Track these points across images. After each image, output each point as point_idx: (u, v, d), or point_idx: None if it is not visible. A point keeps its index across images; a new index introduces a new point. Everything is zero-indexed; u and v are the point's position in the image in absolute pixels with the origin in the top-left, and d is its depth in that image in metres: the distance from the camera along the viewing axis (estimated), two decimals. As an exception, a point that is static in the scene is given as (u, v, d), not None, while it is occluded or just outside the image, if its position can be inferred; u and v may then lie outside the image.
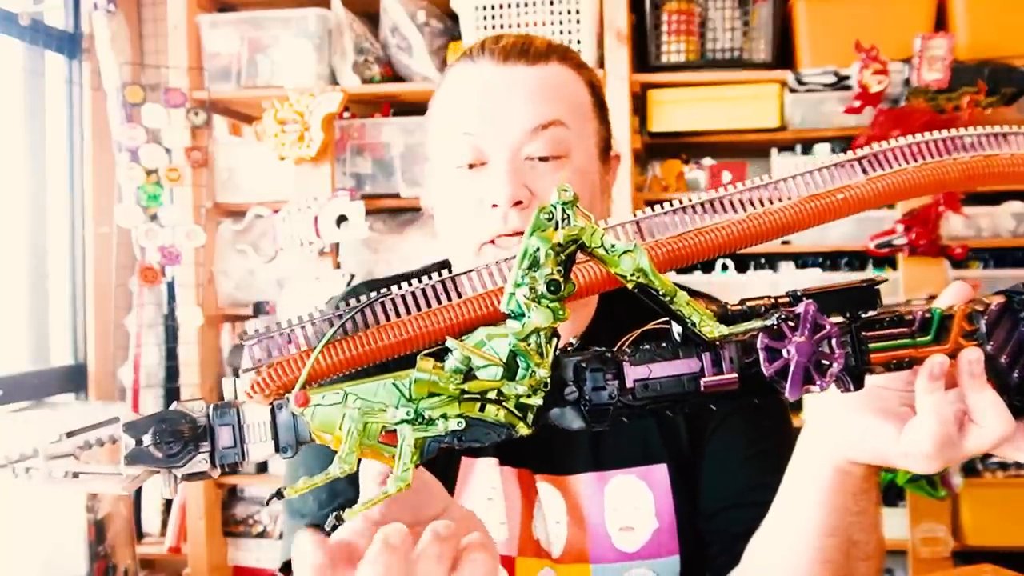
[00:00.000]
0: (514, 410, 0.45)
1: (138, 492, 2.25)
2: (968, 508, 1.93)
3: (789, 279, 2.03)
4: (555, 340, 0.46)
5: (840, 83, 1.91)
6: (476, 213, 0.80)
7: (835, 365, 0.49)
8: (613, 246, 0.46)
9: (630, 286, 0.47)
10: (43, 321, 2.22)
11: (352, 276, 1.99)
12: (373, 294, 0.48)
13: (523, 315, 0.45)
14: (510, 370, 0.45)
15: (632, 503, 0.82)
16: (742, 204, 0.54)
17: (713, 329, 0.48)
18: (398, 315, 0.47)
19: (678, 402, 0.49)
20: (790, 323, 0.48)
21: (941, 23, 1.95)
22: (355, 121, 2.12)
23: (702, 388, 0.48)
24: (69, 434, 0.44)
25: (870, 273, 2.01)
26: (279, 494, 0.45)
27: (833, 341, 0.49)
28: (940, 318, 0.52)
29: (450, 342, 0.45)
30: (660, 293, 0.47)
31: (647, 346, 0.50)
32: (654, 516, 0.82)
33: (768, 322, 0.48)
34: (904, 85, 1.86)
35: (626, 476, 0.83)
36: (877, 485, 0.65)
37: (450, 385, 0.44)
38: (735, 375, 0.48)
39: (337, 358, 0.46)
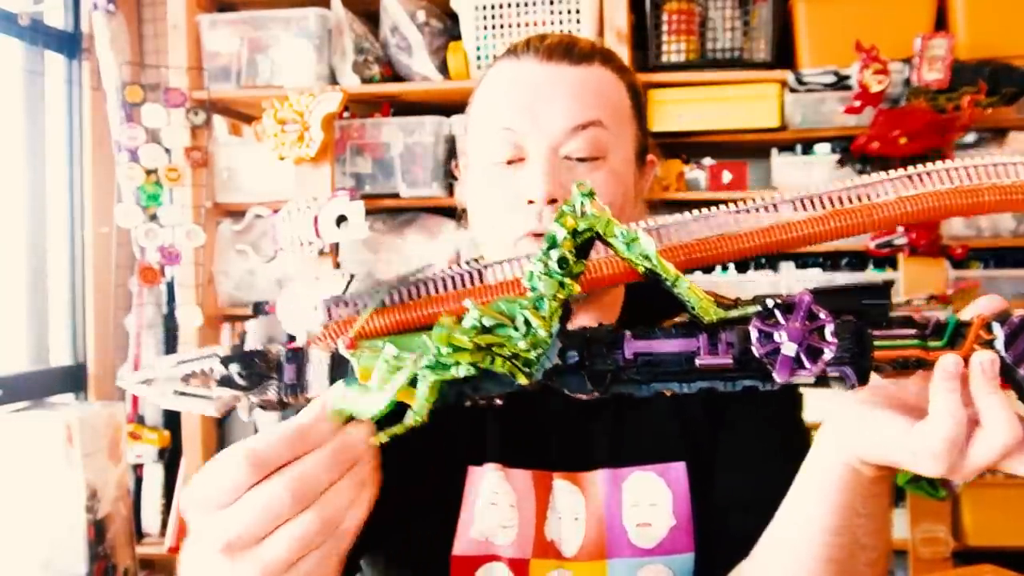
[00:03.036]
0: (517, 363, 0.52)
1: (138, 492, 2.25)
2: (968, 508, 1.93)
3: (789, 279, 2.03)
4: (562, 311, 0.52)
5: (840, 83, 1.91)
6: (512, 208, 0.80)
7: (827, 352, 0.51)
8: (624, 234, 0.52)
9: (640, 271, 0.53)
10: (43, 321, 2.22)
11: (352, 276, 1.99)
12: (430, 270, 0.57)
13: (536, 287, 0.52)
14: (518, 330, 0.52)
15: (650, 500, 0.82)
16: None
17: (711, 313, 0.52)
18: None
19: (678, 378, 0.53)
20: (785, 311, 0.52)
21: (941, 23, 1.95)
22: (355, 121, 2.12)
23: (697, 365, 0.52)
24: (180, 362, 0.55)
25: (871, 273, 2.01)
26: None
27: (827, 330, 0.51)
28: (955, 325, 0.53)
29: (468, 303, 0.52)
30: (664, 278, 0.53)
31: (655, 328, 0.54)
32: (671, 514, 0.82)
33: (763, 307, 0.52)
34: (904, 85, 1.86)
35: (644, 473, 0.83)
36: (890, 492, 0.64)
37: (464, 337, 0.51)
38: (730, 357, 0.52)
39: (388, 321, 0.56)
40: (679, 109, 1.99)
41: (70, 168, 2.25)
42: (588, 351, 0.52)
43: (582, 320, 0.87)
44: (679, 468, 0.83)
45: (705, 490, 0.83)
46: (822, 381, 0.52)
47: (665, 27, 2.01)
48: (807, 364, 0.51)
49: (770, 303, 0.52)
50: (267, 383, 0.54)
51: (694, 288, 0.53)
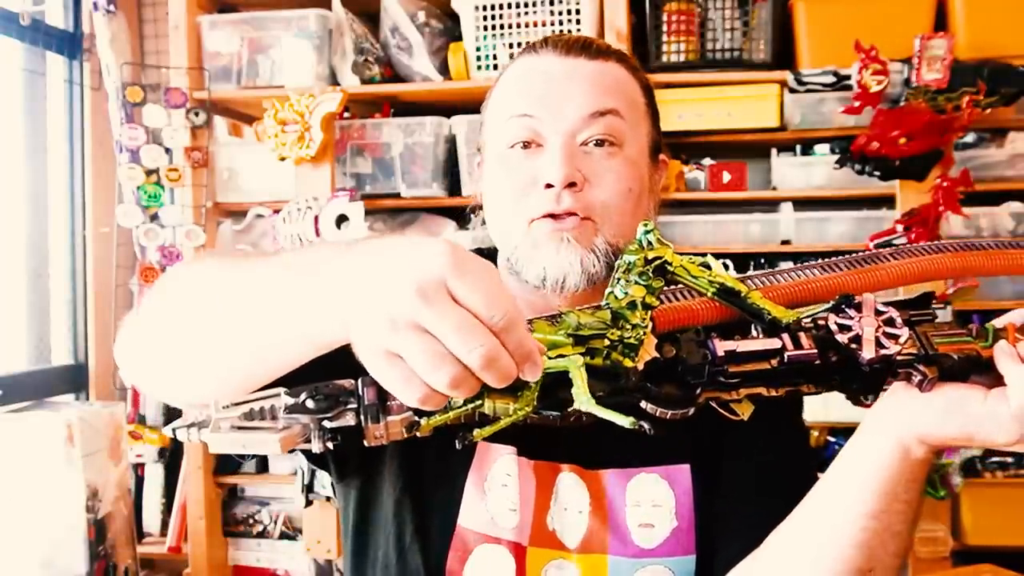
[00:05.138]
0: (619, 352, 0.53)
1: (139, 492, 2.26)
2: (968, 508, 1.93)
3: (789, 279, 2.03)
4: (650, 311, 0.55)
5: (840, 83, 1.91)
6: (529, 191, 0.82)
7: (903, 335, 0.56)
8: (691, 260, 0.57)
9: (710, 293, 0.57)
10: (43, 321, 2.22)
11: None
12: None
13: (624, 296, 0.55)
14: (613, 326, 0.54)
15: (653, 500, 0.83)
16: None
17: (786, 314, 0.57)
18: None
19: (766, 378, 0.56)
20: (853, 309, 0.57)
21: (941, 23, 1.95)
22: (355, 121, 2.12)
23: (786, 359, 0.55)
24: (238, 403, 0.50)
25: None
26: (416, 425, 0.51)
27: (896, 319, 0.57)
28: (994, 331, 0.59)
29: (564, 309, 0.54)
30: (735, 291, 0.57)
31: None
32: (674, 515, 0.83)
33: (833, 304, 0.57)
34: (904, 85, 1.86)
35: (649, 474, 0.84)
36: (924, 482, 0.66)
37: (560, 335, 0.51)
38: (814, 349, 0.56)
39: None
40: (679, 109, 1.99)
41: (71, 168, 2.25)
42: (681, 347, 0.55)
43: None
44: (683, 470, 0.84)
45: (708, 493, 0.84)
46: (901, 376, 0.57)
47: (665, 27, 2.01)
48: (887, 344, 0.55)
49: (838, 302, 0.57)
50: (344, 409, 0.49)
51: (764, 300, 0.57)
